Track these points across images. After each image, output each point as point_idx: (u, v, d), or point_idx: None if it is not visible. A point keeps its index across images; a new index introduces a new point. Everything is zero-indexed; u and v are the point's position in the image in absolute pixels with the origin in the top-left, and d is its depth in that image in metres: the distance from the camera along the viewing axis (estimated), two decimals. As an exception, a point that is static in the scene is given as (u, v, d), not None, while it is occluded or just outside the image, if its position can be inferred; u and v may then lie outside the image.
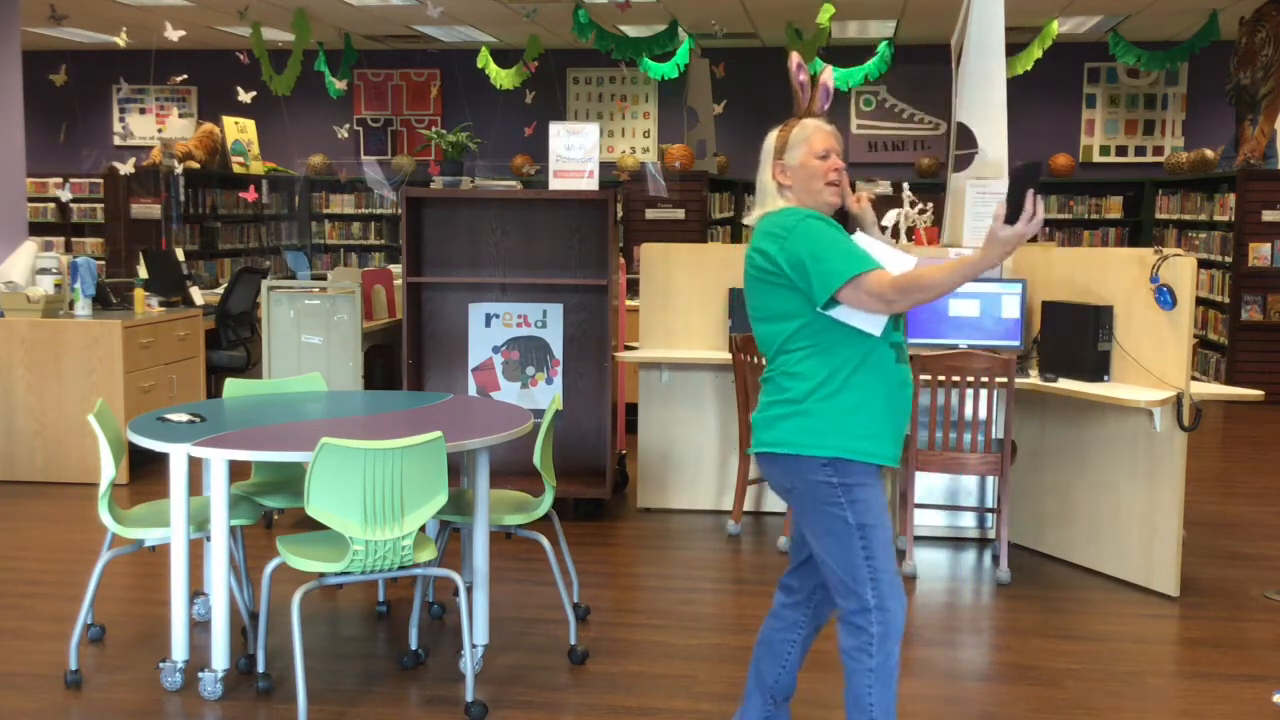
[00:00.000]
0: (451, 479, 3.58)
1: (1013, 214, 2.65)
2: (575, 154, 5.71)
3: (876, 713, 2.86)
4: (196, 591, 4.37)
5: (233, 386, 4.53)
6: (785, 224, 2.88)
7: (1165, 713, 3.73)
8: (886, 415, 2.90)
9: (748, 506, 5.94)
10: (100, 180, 11.34)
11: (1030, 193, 2.63)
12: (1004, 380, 4.89)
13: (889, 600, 2.84)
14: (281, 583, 4.11)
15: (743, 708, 3.26)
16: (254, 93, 9.34)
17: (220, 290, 8.27)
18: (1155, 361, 4.86)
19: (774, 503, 6.03)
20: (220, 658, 3.68)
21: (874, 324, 2.84)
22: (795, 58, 3.12)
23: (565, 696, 3.76)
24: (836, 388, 2.85)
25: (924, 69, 12.36)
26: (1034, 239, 3.45)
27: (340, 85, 11.40)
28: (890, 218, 6.06)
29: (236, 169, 11.50)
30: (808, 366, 2.88)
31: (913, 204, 6.06)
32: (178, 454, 3.57)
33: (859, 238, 2.96)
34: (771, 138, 3.03)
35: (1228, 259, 9.76)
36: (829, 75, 3.14)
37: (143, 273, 7.90)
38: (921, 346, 5.31)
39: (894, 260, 2.90)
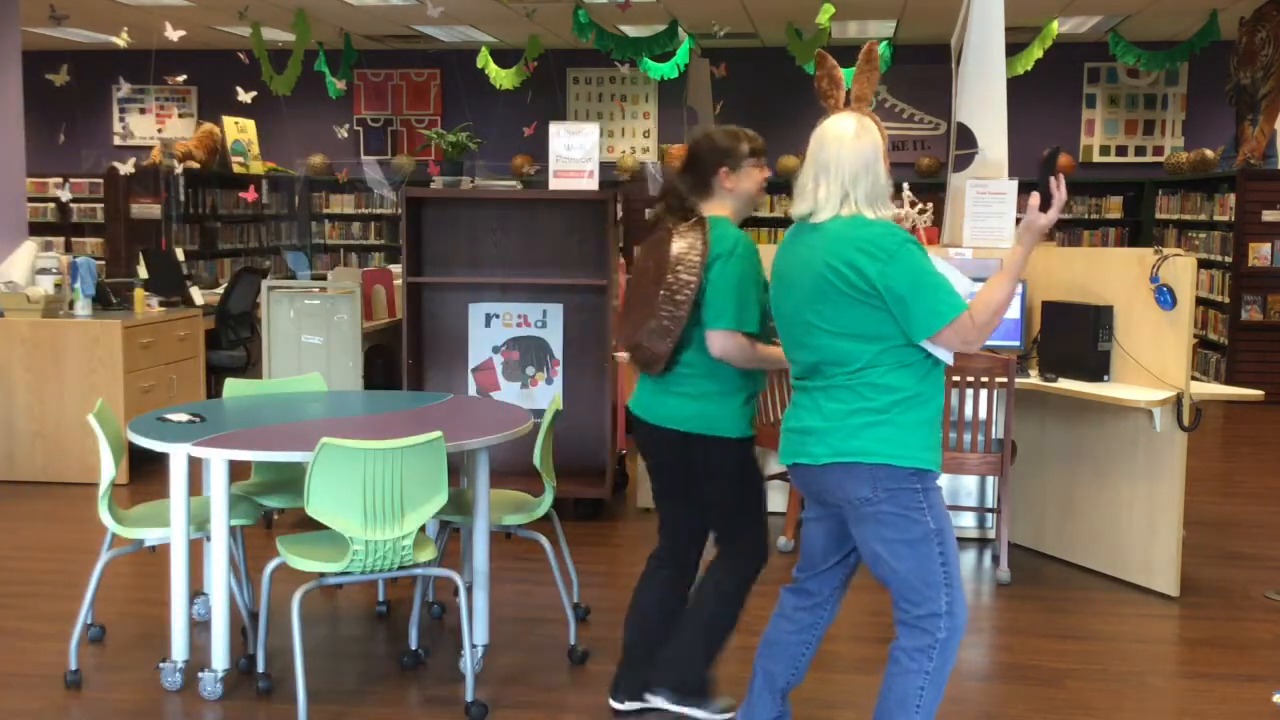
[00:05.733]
0: (451, 479, 3.58)
1: (1043, 202, 2.81)
2: (575, 154, 5.71)
3: (922, 716, 2.85)
4: (196, 591, 4.37)
5: (233, 386, 4.53)
6: (886, 246, 2.78)
7: (1165, 713, 3.73)
8: (939, 426, 2.93)
9: (748, 506, 5.93)
10: (100, 180, 11.34)
11: (1050, 179, 2.76)
12: (1004, 380, 4.89)
13: (958, 606, 2.85)
14: (281, 583, 4.10)
15: (748, 707, 3.24)
16: (254, 93, 9.34)
17: (220, 290, 8.27)
18: (1155, 361, 4.86)
19: (774, 502, 6.02)
20: (220, 658, 3.68)
21: (948, 354, 2.87)
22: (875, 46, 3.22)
23: (565, 696, 3.76)
24: (916, 400, 2.85)
25: (924, 69, 12.36)
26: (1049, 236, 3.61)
27: (340, 85, 11.40)
28: (890, 218, 6.06)
29: (236, 169, 11.50)
30: (894, 379, 2.83)
31: (913, 204, 6.06)
32: (178, 454, 3.57)
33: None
34: (872, 135, 2.90)
35: (1228, 259, 9.76)
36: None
37: (143, 273, 7.90)
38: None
39: (956, 281, 2.91)
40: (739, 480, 3.42)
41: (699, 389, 3.33)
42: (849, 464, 2.84)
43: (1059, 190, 2.82)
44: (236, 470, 3.69)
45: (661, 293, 3.23)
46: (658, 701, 3.51)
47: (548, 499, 4.08)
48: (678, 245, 3.26)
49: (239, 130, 11.65)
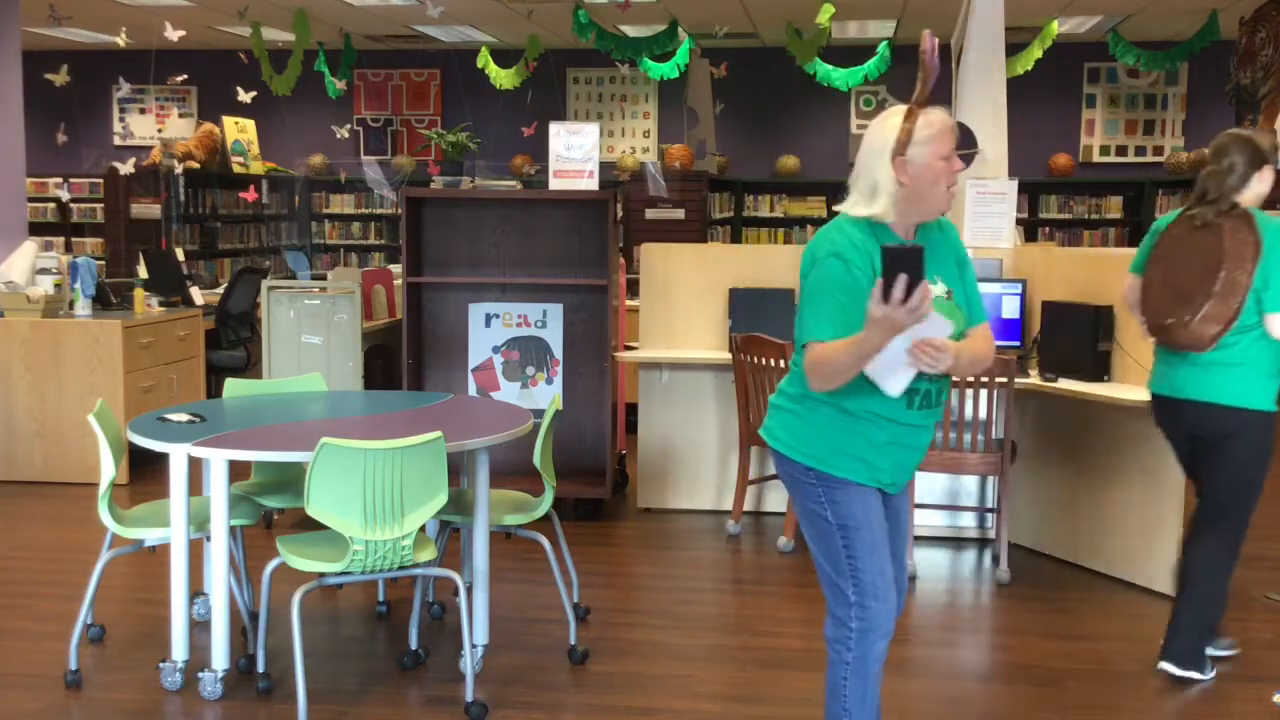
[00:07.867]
0: (451, 479, 3.59)
1: (885, 295, 2.47)
2: (575, 154, 5.71)
3: (850, 703, 2.88)
4: (196, 591, 4.37)
5: (233, 386, 4.53)
6: (815, 252, 2.76)
7: (1165, 713, 3.73)
8: (881, 447, 2.80)
9: (748, 506, 5.94)
10: (100, 180, 11.33)
11: (902, 278, 2.42)
12: (1004, 380, 4.89)
13: (869, 599, 2.83)
14: (281, 583, 4.11)
15: None
16: (254, 93, 9.33)
17: (220, 290, 8.27)
18: (1155, 361, 4.85)
19: (774, 503, 6.03)
20: (220, 658, 3.68)
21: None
22: (927, 36, 2.69)
23: (565, 696, 3.76)
24: (829, 404, 2.78)
25: (924, 69, 12.33)
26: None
27: (340, 85, 11.39)
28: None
29: (236, 169, 11.50)
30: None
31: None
32: (178, 454, 3.57)
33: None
34: (890, 127, 2.70)
35: (1228, 259, 9.73)
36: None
37: (143, 273, 7.90)
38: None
39: (931, 327, 2.63)
40: (1253, 454, 3.72)
41: (1235, 361, 3.66)
42: (768, 442, 2.96)
43: (903, 295, 2.43)
44: (236, 470, 3.69)
45: (1221, 279, 3.57)
46: (1168, 668, 3.89)
47: (548, 499, 4.08)
48: (1234, 238, 3.60)
49: (239, 130, 11.64)
